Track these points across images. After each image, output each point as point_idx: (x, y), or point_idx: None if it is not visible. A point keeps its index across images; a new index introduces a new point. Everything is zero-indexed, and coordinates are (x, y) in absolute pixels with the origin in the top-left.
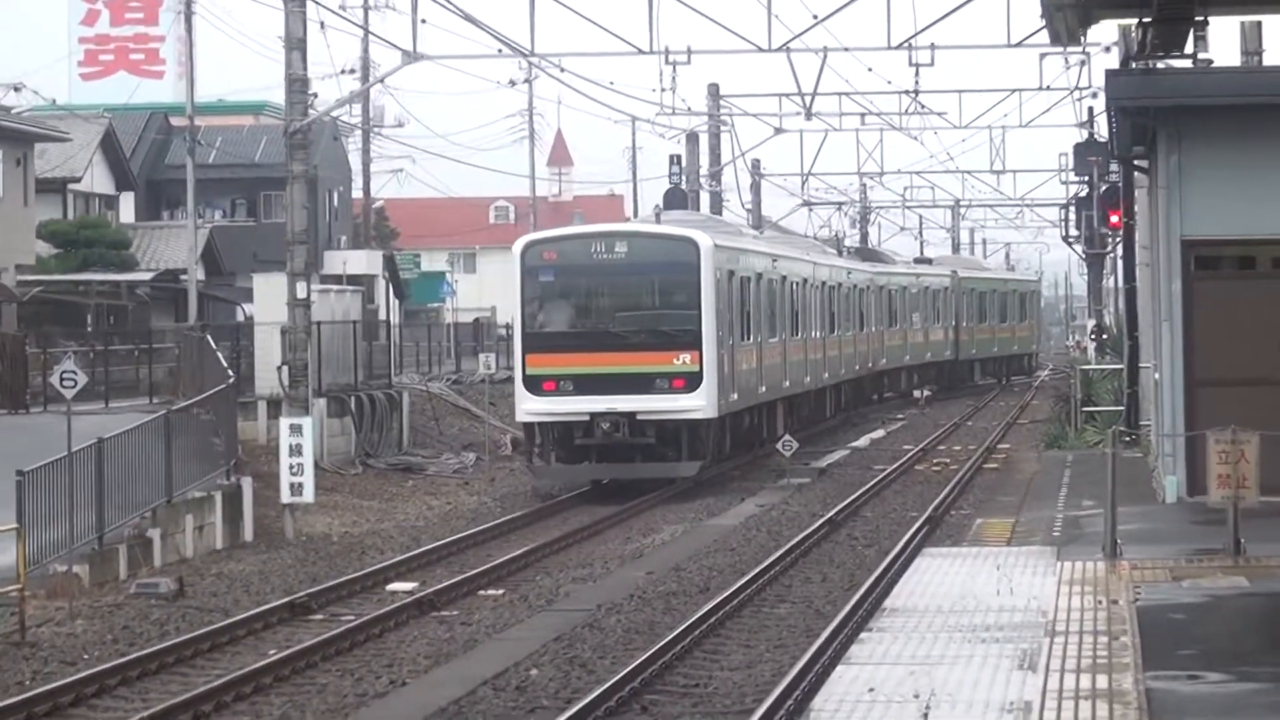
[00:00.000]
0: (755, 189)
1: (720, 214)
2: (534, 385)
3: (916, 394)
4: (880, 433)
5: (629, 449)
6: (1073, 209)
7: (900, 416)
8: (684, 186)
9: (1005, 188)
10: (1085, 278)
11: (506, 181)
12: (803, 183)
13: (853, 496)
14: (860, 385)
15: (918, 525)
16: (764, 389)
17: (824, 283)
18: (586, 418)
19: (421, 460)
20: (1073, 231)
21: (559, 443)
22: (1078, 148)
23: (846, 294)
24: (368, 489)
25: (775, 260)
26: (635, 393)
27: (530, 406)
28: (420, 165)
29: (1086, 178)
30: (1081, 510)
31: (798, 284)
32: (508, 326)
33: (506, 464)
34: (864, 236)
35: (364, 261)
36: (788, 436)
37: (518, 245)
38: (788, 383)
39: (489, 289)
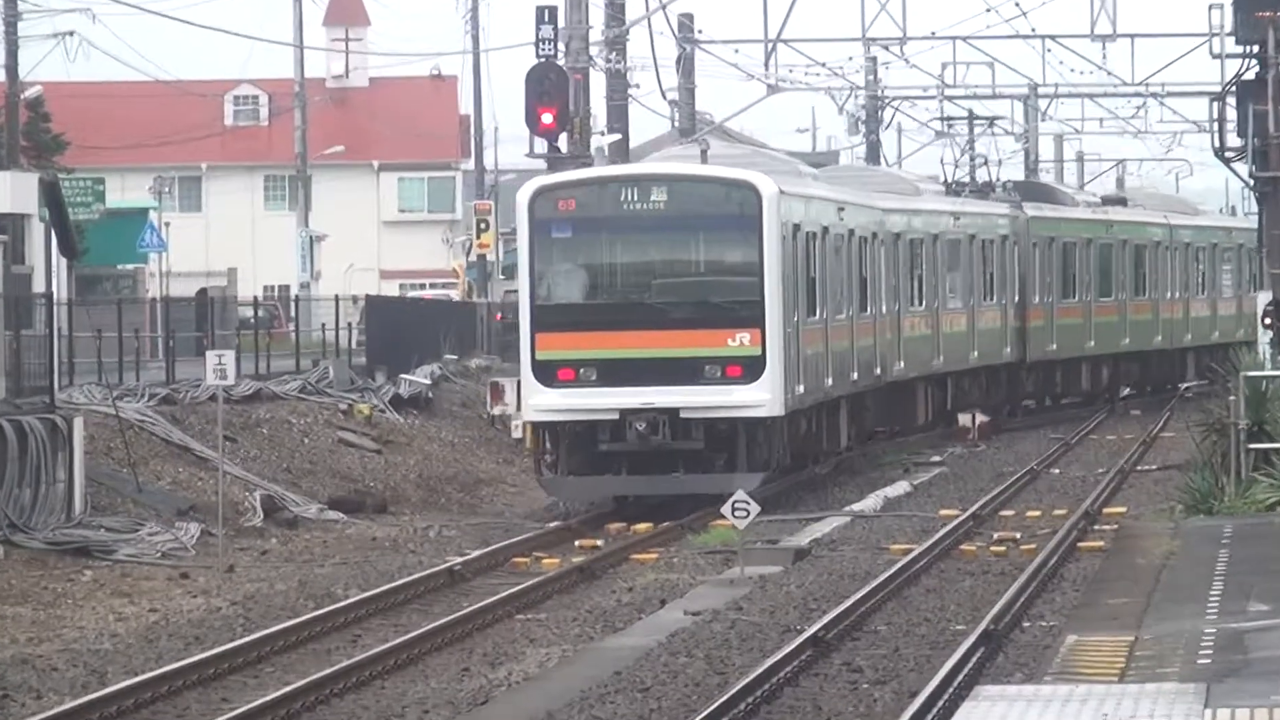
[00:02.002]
0: (685, 66)
1: (624, 110)
2: (546, 374)
3: (964, 420)
4: (904, 487)
5: (670, 457)
6: (1231, 102)
7: (937, 459)
8: (562, 60)
9: (1116, 66)
10: (1255, 217)
11: (256, 55)
12: (767, 56)
13: (855, 596)
14: (994, 381)
15: (966, 646)
16: (830, 381)
17: (921, 235)
18: (615, 416)
19: (107, 535)
20: (1232, 141)
21: (577, 448)
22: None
23: (963, 250)
24: (12, 585)
25: (842, 210)
26: (679, 383)
27: (541, 401)
28: (104, 26)
29: (1256, 48)
30: (1248, 620)
31: (868, 239)
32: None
33: (255, 539)
34: (873, 146)
35: (5, 192)
36: (741, 496)
37: (524, 191)
38: (856, 373)
39: (225, 237)
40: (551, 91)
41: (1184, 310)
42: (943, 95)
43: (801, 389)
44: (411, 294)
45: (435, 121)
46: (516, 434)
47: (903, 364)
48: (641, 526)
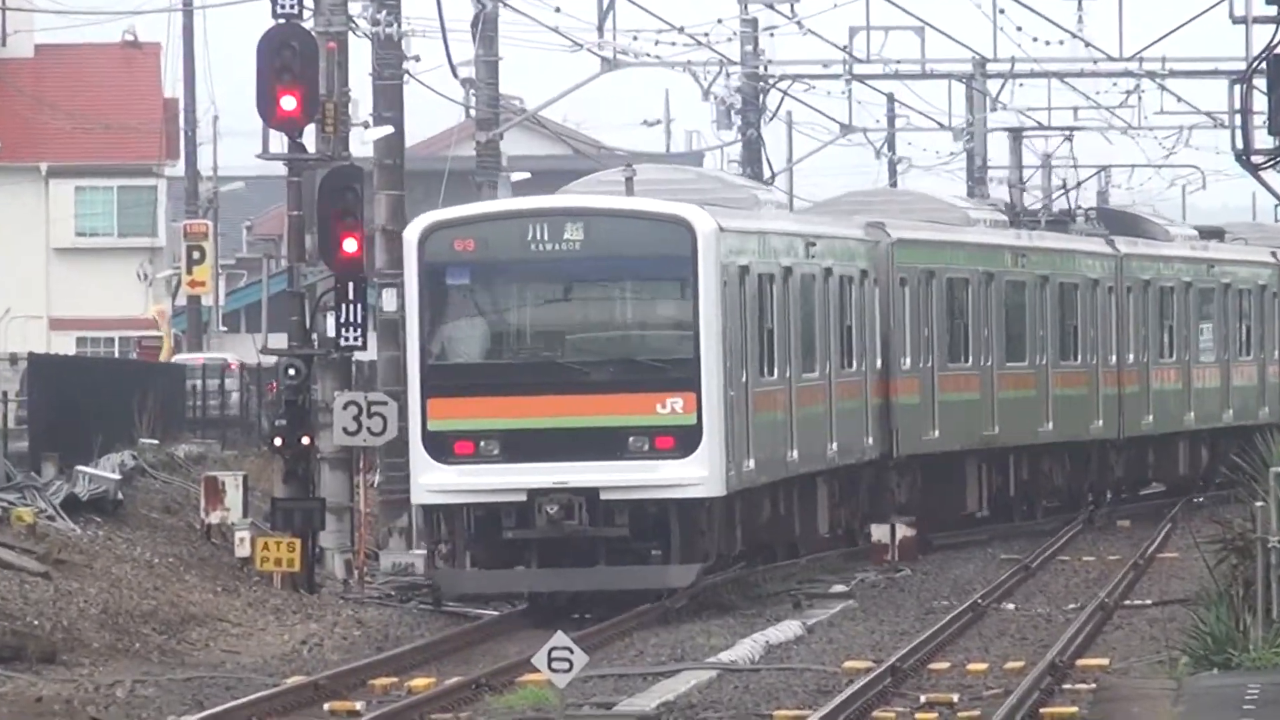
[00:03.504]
0: (484, 30)
1: (399, 92)
2: (439, 447)
3: (876, 533)
4: (793, 629)
5: (589, 545)
6: (1260, 85)
7: (841, 588)
8: (310, 22)
9: (1097, 35)
10: None
11: None
12: (602, 17)
13: None
14: (1075, 461)
15: None
16: (795, 455)
17: (967, 276)
18: (522, 497)
19: None
20: (1261, 140)
21: (479, 536)
22: None
23: (1029, 295)
24: None
25: (812, 244)
26: (598, 458)
27: (433, 480)
28: None
29: None
30: None
31: (854, 279)
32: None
33: None
34: (751, 144)
35: None
36: (561, 641)
37: (413, 229)
38: (835, 446)
39: None
40: (294, 66)
41: None
42: (850, 74)
43: (752, 464)
44: (95, 352)
45: (130, 107)
46: (242, 551)
47: (938, 433)
48: (419, 683)
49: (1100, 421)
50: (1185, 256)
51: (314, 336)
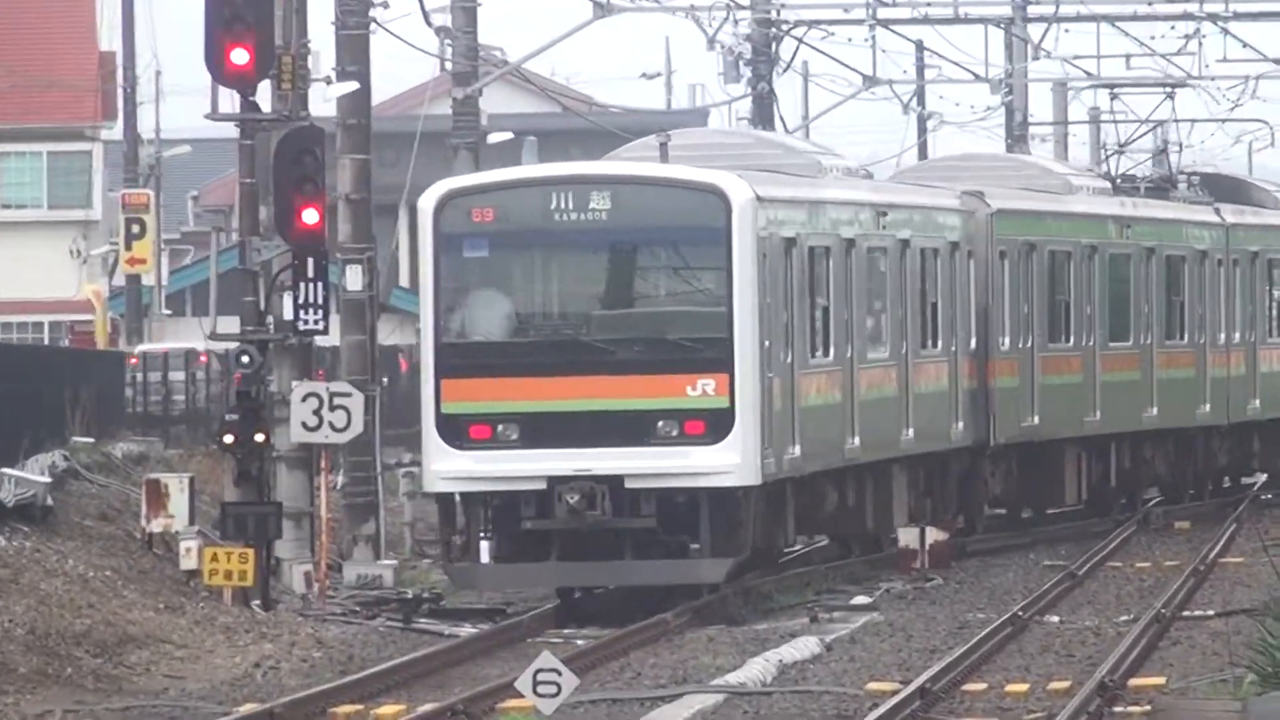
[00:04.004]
0: None
1: (364, 43)
2: (454, 432)
3: (904, 537)
4: (810, 645)
5: (613, 538)
6: None
7: (864, 600)
8: None
9: None
10: None
11: None
12: None
13: None
14: (1185, 448)
15: None
16: (856, 442)
17: (1069, 248)
18: (542, 485)
19: None
20: None
21: (497, 527)
22: None
23: (1134, 269)
24: None
25: (883, 214)
26: (623, 443)
27: (447, 467)
28: None
29: None
30: None
31: (938, 252)
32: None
33: None
34: (763, 100)
35: None
36: (548, 662)
37: (428, 198)
38: (911, 432)
39: None
40: (246, 15)
41: None
42: (874, 18)
43: (797, 451)
44: (21, 339)
45: (60, 62)
46: (188, 563)
47: (1037, 419)
48: (387, 710)
49: (1207, 406)
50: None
51: (269, 320)
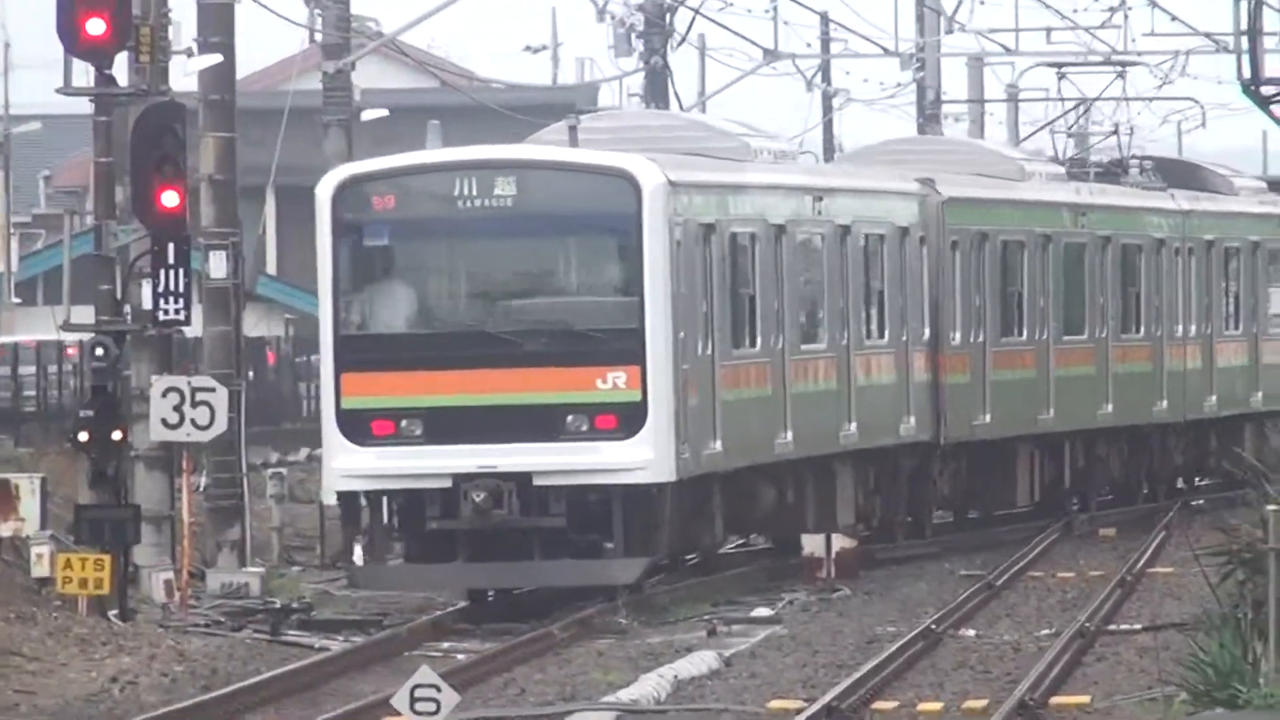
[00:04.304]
0: None
1: (229, 12)
2: (355, 427)
3: (808, 544)
4: (708, 660)
5: (522, 537)
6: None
7: (766, 611)
8: None
9: None
10: None
11: None
12: None
13: None
14: (1138, 447)
15: None
16: (789, 437)
17: (1021, 237)
18: (447, 483)
19: None
20: (1273, 68)
21: (403, 526)
22: None
23: (1089, 258)
24: None
25: (819, 199)
26: (532, 439)
27: (347, 464)
28: None
29: None
30: None
31: (886, 238)
32: None
33: None
34: (656, 75)
35: None
36: (427, 677)
37: (326, 184)
38: (853, 426)
39: None
40: None
41: None
42: None
43: (719, 446)
44: None
45: None
46: (39, 570)
47: (989, 417)
48: None
49: (1164, 403)
50: (1253, 213)
51: (127, 309)
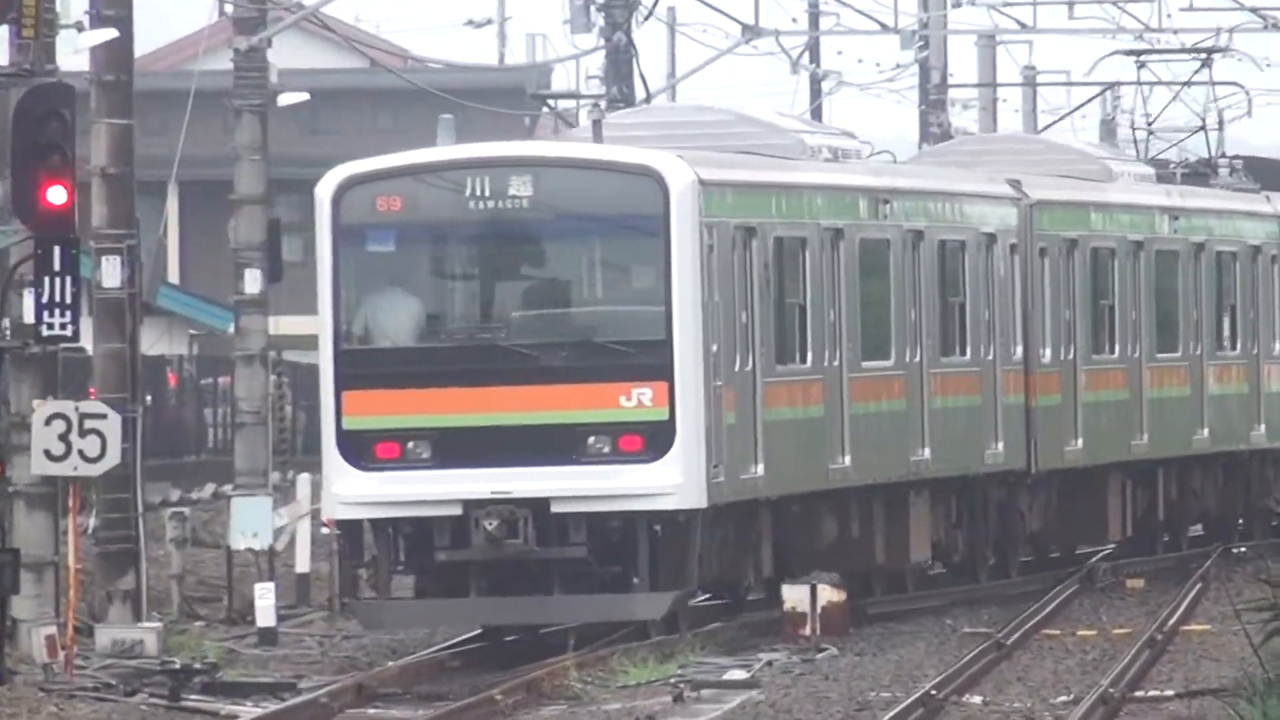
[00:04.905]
0: None
1: None
2: (357, 450)
3: (789, 597)
4: None
5: (539, 569)
6: None
7: (741, 674)
8: None
9: None
10: None
11: None
12: None
13: None
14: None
15: None
16: (846, 461)
17: (1112, 244)
18: (457, 510)
19: None
20: None
21: (409, 557)
22: None
23: (1183, 267)
24: None
25: (885, 202)
26: (549, 462)
27: (349, 490)
28: None
29: None
30: None
31: (965, 246)
32: None
33: None
34: (619, 53)
35: None
36: None
37: (326, 184)
38: (927, 452)
39: None
40: None
41: None
42: None
43: (760, 470)
44: None
45: None
46: None
47: (1080, 442)
48: None
49: (1262, 428)
50: None
51: (5, 323)
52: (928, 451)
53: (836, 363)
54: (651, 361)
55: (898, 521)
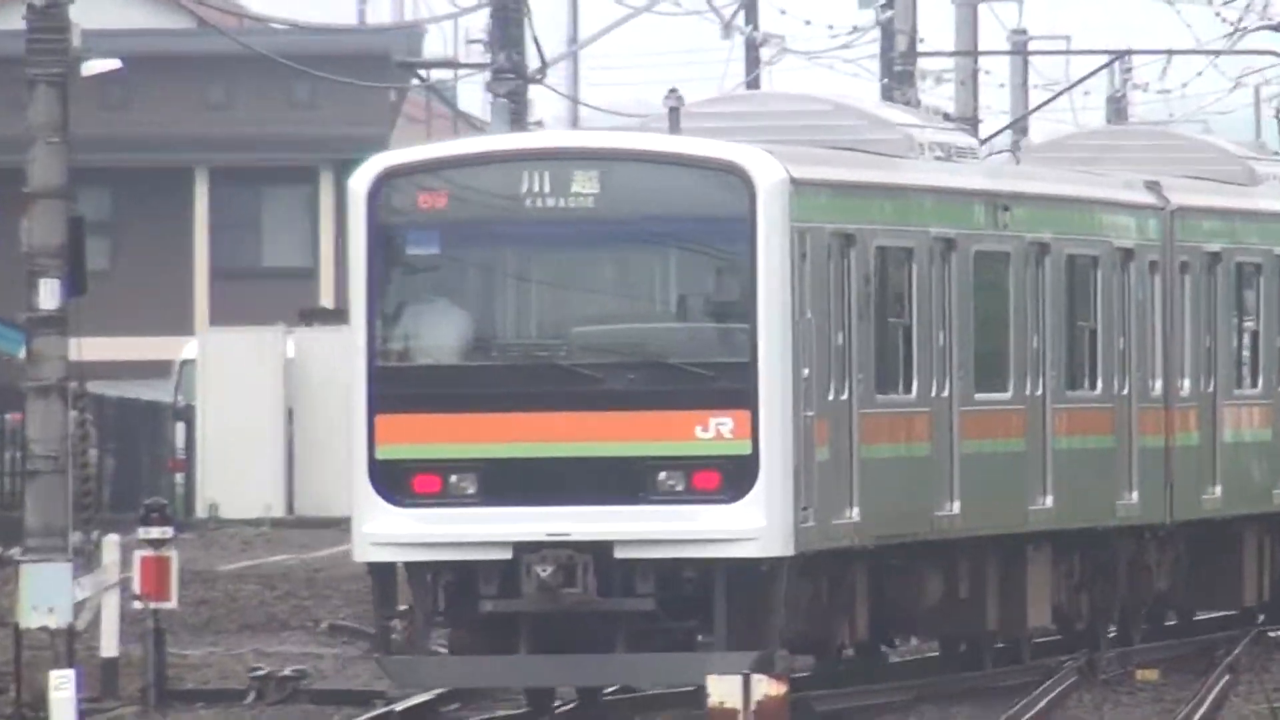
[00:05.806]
0: None
1: None
2: (393, 483)
3: (715, 690)
4: None
5: (600, 623)
6: None
7: None
8: None
9: None
10: None
11: None
12: None
13: None
14: None
15: None
16: (955, 508)
17: (1258, 258)
18: (507, 554)
19: None
20: None
21: (450, 607)
22: None
23: None
24: None
25: (1005, 209)
26: (613, 500)
27: (383, 529)
28: None
29: None
30: None
31: (1093, 260)
32: None
33: None
34: (504, 12)
35: None
36: None
37: (361, 177)
38: (1049, 500)
39: None
40: None
41: None
42: None
43: (855, 515)
44: None
45: None
46: None
47: (1219, 490)
48: None
49: None
50: None
51: None
52: (1050, 499)
53: (946, 394)
54: (733, 387)
55: (1013, 580)
